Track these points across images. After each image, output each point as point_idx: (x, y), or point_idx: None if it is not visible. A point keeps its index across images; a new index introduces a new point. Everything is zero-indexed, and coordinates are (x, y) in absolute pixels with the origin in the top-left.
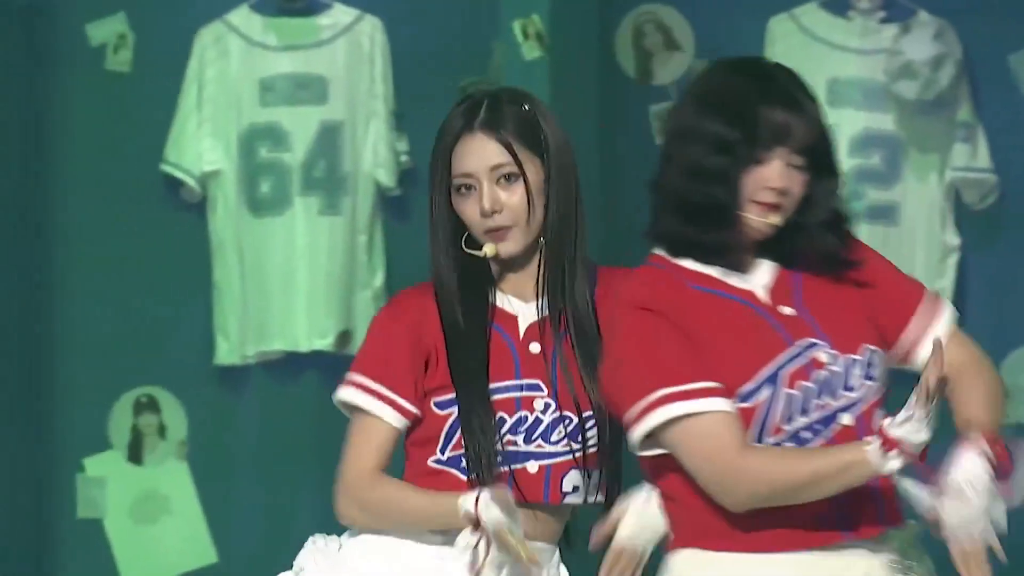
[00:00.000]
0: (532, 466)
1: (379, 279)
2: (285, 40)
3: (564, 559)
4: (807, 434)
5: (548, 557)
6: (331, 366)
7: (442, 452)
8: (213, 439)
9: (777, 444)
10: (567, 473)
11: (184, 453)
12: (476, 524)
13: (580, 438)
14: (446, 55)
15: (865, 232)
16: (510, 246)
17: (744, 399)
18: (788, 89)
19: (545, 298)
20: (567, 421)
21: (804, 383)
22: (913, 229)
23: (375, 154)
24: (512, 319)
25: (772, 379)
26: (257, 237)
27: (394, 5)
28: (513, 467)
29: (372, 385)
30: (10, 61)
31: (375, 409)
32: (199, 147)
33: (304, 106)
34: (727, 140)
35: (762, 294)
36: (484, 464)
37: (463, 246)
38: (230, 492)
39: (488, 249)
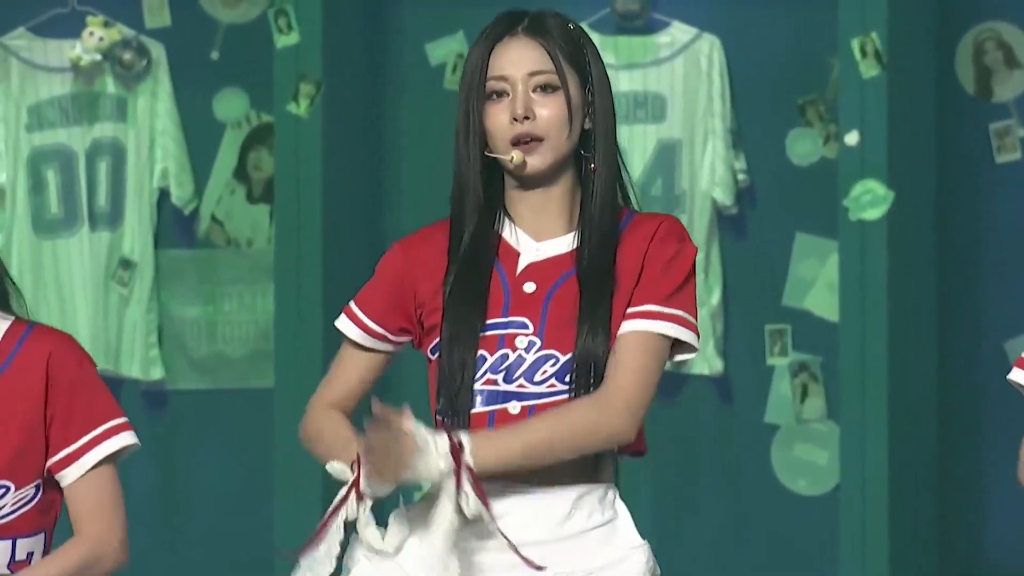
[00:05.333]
0: (514, 407)
1: (716, 297)
2: (623, 58)
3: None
4: None
5: (575, 500)
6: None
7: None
8: None
9: None
10: None
11: None
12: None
13: (568, 378)
14: (784, 73)
15: None
16: (537, 160)
17: None
18: None
19: (579, 230)
20: (552, 360)
21: None
22: None
23: (712, 172)
24: (513, 255)
25: None
26: None
27: (732, 23)
28: (493, 408)
29: (353, 310)
30: (356, 80)
31: (351, 333)
32: None
33: (642, 124)
34: None
35: None
36: (460, 403)
37: (486, 153)
38: None
39: (516, 156)
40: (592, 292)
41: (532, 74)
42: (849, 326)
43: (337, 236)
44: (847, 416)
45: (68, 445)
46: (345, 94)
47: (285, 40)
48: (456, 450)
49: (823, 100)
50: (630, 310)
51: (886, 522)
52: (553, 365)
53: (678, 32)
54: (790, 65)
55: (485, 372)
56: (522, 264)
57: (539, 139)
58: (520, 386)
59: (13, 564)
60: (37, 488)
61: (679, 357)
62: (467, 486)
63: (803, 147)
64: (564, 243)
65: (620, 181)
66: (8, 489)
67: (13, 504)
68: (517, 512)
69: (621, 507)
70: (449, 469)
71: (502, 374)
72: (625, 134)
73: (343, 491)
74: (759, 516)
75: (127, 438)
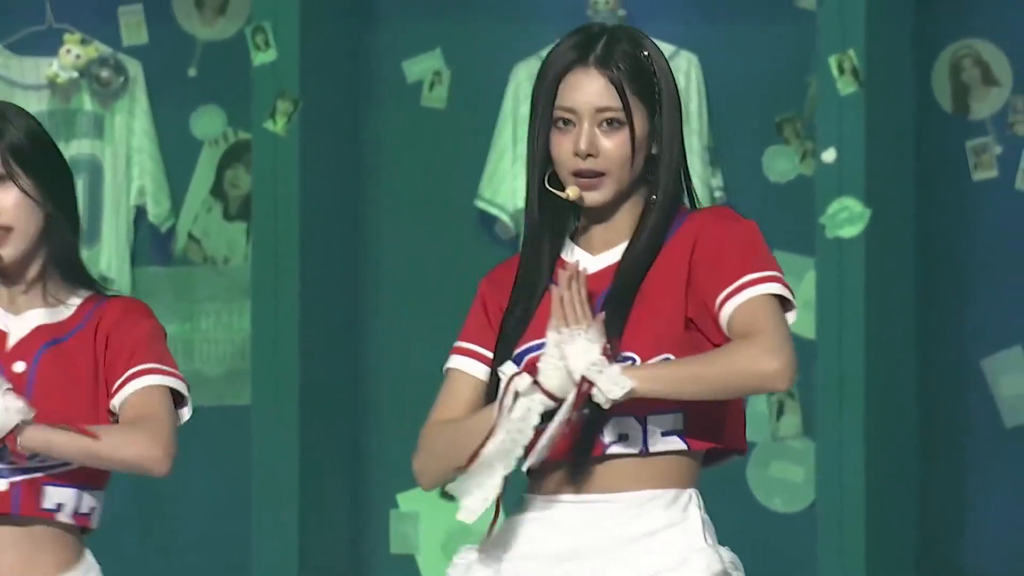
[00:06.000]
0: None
1: None
2: None
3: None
4: None
5: (638, 504)
6: None
7: None
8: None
9: None
10: (607, 422)
11: None
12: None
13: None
14: (761, 90)
15: None
16: (597, 196)
17: None
18: None
19: (626, 246)
20: None
21: None
22: None
23: None
24: None
25: None
26: None
27: (710, 40)
28: (540, 425)
29: (457, 344)
30: (332, 97)
31: (455, 363)
32: (514, 184)
33: None
34: None
35: None
36: None
37: (546, 184)
38: None
39: (571, 192)
40: (613, 301)
41: (599, 110)
42: (826, 344)
43: (314, 254)
44: (823, 434)
45: (115, 381)
46: (322, 111)
47: (263, 57)
48: (607, 352)
49: (800, 117)
50: (724, 294)
51: (863, 540)
52: None
53: None
54: (767, 82)
55: None
56: None
57: (600, 175)
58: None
59: (77, 516)
60: None
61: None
62: (610, 376)
63: (780, 164)
64: (614, 255)
65: (684, 195)
66: None
67: None
68: (569, 521)
69: (693, 510)
70: (597, 359)
71: None
72: None
73: (516, 384)
74: (736, 533)
75: (173, 382)
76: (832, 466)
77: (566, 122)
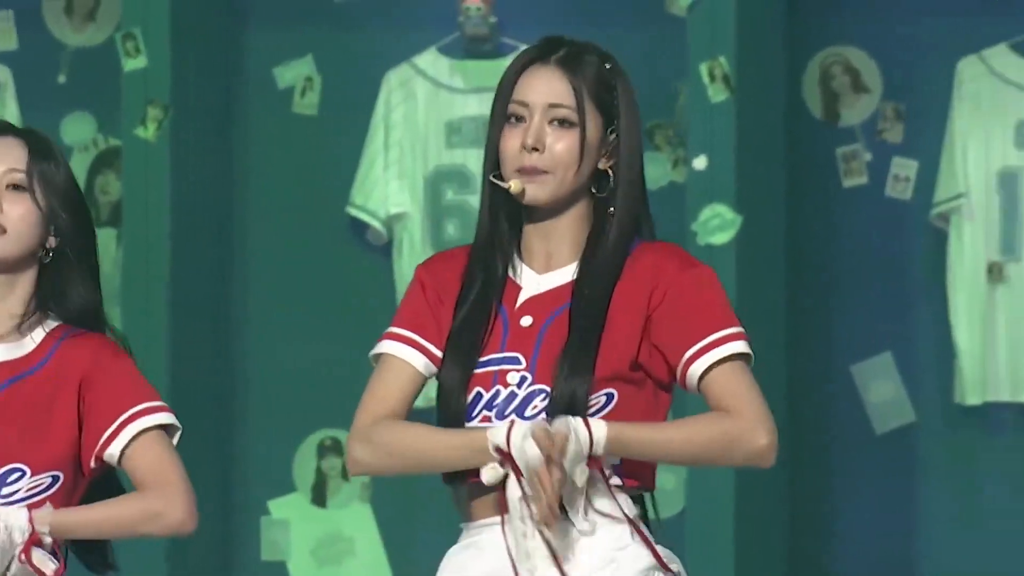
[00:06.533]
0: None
1: None
2: (472, 82)
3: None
4: None
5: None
6: None
7: None
8: (397, 481)
9: None
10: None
11: (368, 496)
12: (507, 458)
13: (555, 411)
14: None
15: None
16: (539, 192)
17: None
18: None
19: (580, 263)
20: (543, 395)
21: None
22: None
23: None
24: (515, 290)
25: None
26: None
27: None
28: None
29: (393, 330)
30: (203, 104)
31: (392, 349)
32: (385, 190)
33: None
34: None
35: None
36: None
37: (491, 178)
38: (414, 535)
39: (514, 184)
40: (580, 329)
41: (552, 106)
42: None
43: (185, 260)
44: None
45: (106, 428)
46: (193, 118)
47: (133, 64)
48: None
49: (671, 124)
50: (691, 351)
51: (732, 547)
52: (543, 399)
53: None
54: (638, 89)
55: (481, 410)
56: (522, 298)
57: (544, 172)
58: (512, 422)
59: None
60: (54, 479)
61: None
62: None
63: (652, 171)
64: (566, 274)
65: (642, 220)
66: (24, 473)
67: (28, 489)
68: (495, 541)
69: (620, 512)
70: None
71: (495, 411)
72: (474, 158)
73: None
74: None
75: (163, 417)
76: (701, 473)
77: (518, 119)
